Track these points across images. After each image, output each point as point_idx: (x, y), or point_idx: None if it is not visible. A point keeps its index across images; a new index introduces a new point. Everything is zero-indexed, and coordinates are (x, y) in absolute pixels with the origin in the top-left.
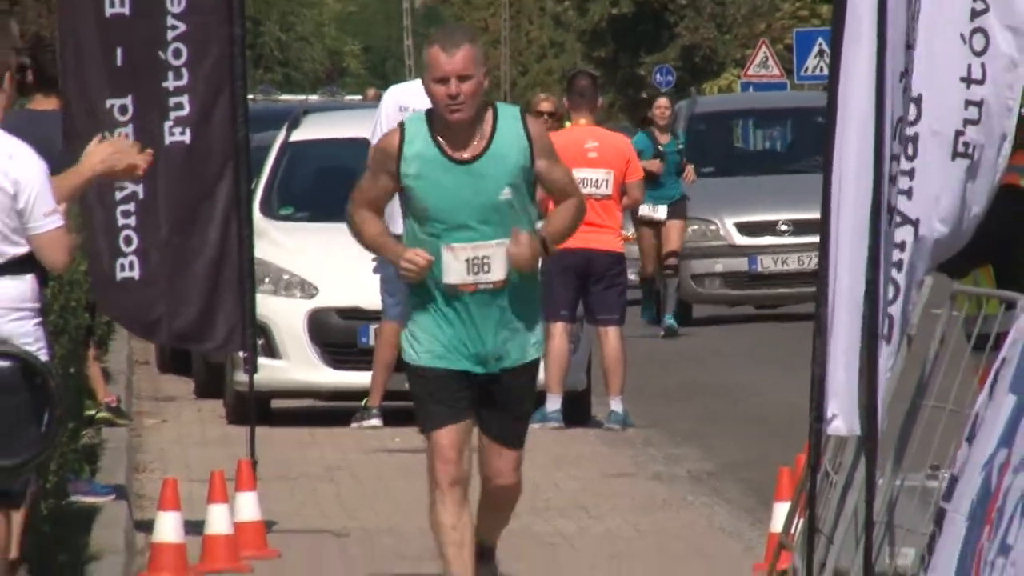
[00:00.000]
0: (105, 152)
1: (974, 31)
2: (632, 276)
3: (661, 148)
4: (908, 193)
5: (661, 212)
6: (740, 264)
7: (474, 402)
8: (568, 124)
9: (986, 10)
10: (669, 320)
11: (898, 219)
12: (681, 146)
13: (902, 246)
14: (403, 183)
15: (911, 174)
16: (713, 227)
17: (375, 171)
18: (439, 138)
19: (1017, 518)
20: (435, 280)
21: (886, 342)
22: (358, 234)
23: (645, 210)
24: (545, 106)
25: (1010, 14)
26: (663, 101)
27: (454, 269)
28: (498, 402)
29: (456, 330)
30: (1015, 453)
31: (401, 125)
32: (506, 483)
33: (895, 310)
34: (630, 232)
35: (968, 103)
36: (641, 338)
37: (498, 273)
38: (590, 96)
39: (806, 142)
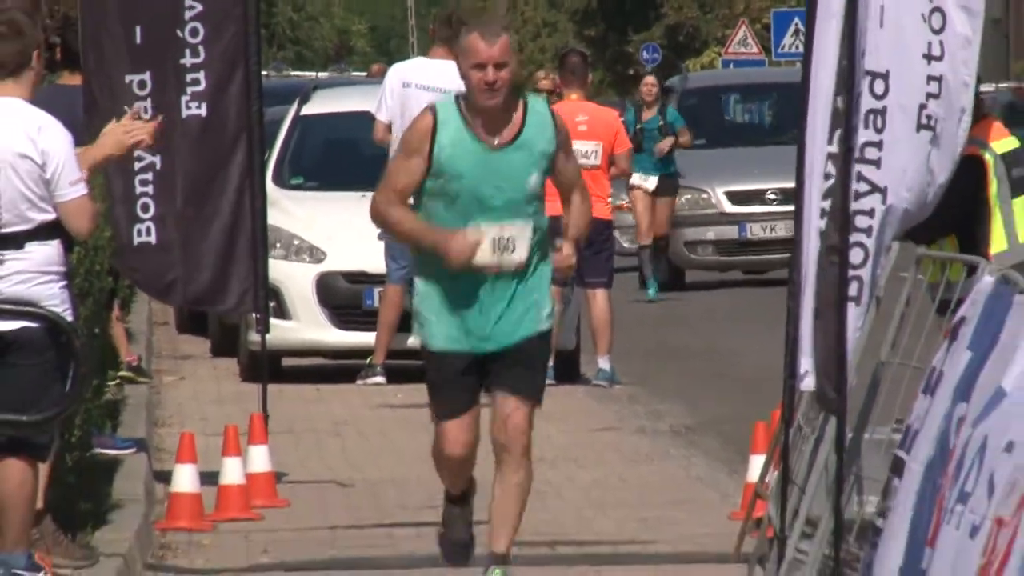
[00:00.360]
0: (119, 133)
1: (932, 10)
2: (626, 244)
3: (639, 126)
4: (877, 163)
5: (651, 182)
6: (731, 231)
7: (482, 380)
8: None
9: None
10: (651, 291)
11: (867, 187)
12: (663, 122)
13: (871, 213)
14: (434, 165)
15: (879, 145)
16: (705, 196)
17: (407, 154)
18: (471, 124)
19: (975, 469)
20: (440, 267)
21: (855, 304)
22: (394, 227)
23: (636, 179)
24: (545, 84)
25: None
26: (649, 79)
27: (480, 249)
28: (512, 361)
29: (464, 313)
30: (972, 408)
31: (433, 109)
32: (515, 436)
33: (864, 273)
34: (624, 201)
35: (929, 78)
36: (635, 303)
37: (522, 253)
38: (580, 73)
39: (791, 115)
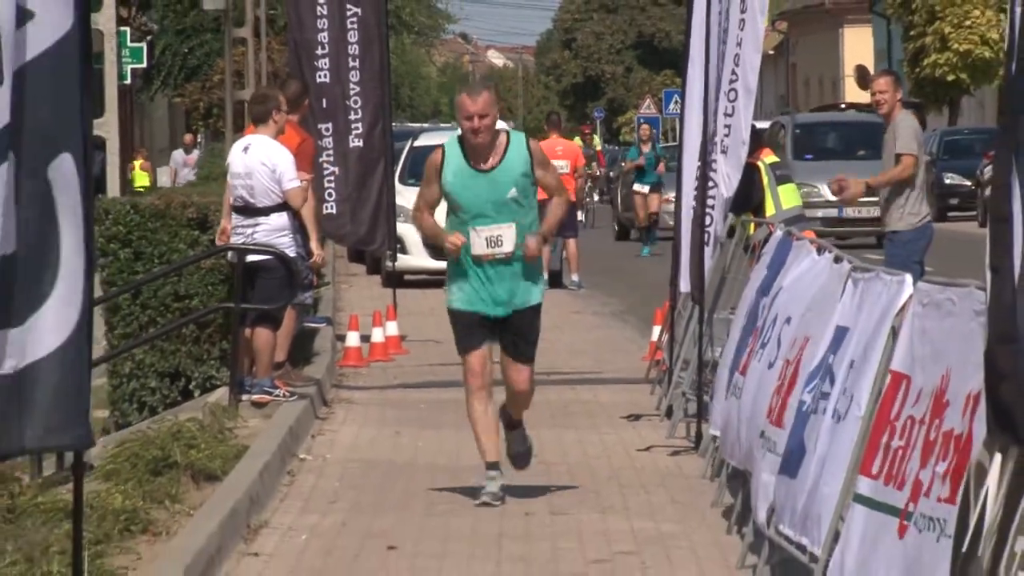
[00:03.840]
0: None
1: (730, 90)
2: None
3: (643, 154)
4: (716, 172)
5: (645, 188)
6: (832, 212)
7: (494, 333)
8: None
9: (735, 80)
10: (644, 251)
11: (713, 184)
12: (657, 154)
13: (715, 198)
14: (444, 188)
15: (717, 163)
16: (816, 189)
17: (427, 181)
18: (467, 155)
19: (769, 324)
20: (466, 251)
21: (708, 246)
22: (420, 226)
23: (637, 187)
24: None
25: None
26: (644, 127)
27: (477, 244)
28: (513, 331)
29: (478, 285)
30: (768, 299)
31: (442, 148)
32: (522, 388)
33: (712, 230)
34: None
35: (726, 126)
36: (635, 257)
37: (508, 246)
38: (557, 123)
39: (862, 142)
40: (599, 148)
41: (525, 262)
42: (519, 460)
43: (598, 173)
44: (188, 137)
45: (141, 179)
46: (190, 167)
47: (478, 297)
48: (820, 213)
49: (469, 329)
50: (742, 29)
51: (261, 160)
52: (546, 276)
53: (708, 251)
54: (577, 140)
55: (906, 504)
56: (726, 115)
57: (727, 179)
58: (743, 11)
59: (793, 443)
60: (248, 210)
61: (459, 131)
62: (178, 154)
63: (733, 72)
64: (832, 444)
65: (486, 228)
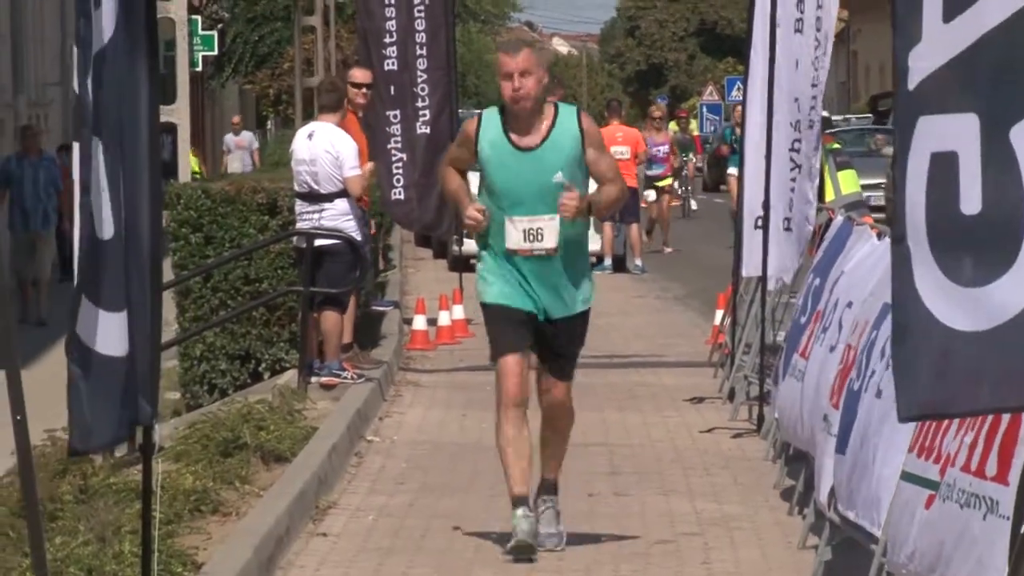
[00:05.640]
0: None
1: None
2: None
3: (734, 138)
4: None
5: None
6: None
7: (533, 338)
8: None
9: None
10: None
11: (795, 163)
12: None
13: (798, 180)
14: (479, 161)
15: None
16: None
17: (459, 144)
18: (508, 128)
19: (831, 309)
20: (495, 237)
21: (788, 231)
22: (442, 181)
23: (731, 171)
24: (656, 111)
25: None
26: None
27: (513, 237)
28: (551, 344)
29: (515, 281)
30: (827, 283)
31: (480, 116)
32: (558, 403)
33: (796, 214)
34: (651, 198)
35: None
36: (700, 243)
37: (550, 242)
38: (617, 110)
39: None
40: (696, 133)
41: (566, 254)
42: (547, 541)
43: (695, 161)
44: (236, 119)
45: (192, 165)
46: (242, 148)
47: (516, 292)
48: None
49: (507, 327)
50: (821, 7)
51: (325, 148)
52: (609, 261)
53: (792, 236)
54: (673, 125)
55: (941, 477)
56: (812, 86)
57: (808, 160)
58: None
59: (847, 423)
60: (312, 196)
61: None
62: (229, 138)
63: (816, 39)
64: (887, 425)
65: (524, 219)
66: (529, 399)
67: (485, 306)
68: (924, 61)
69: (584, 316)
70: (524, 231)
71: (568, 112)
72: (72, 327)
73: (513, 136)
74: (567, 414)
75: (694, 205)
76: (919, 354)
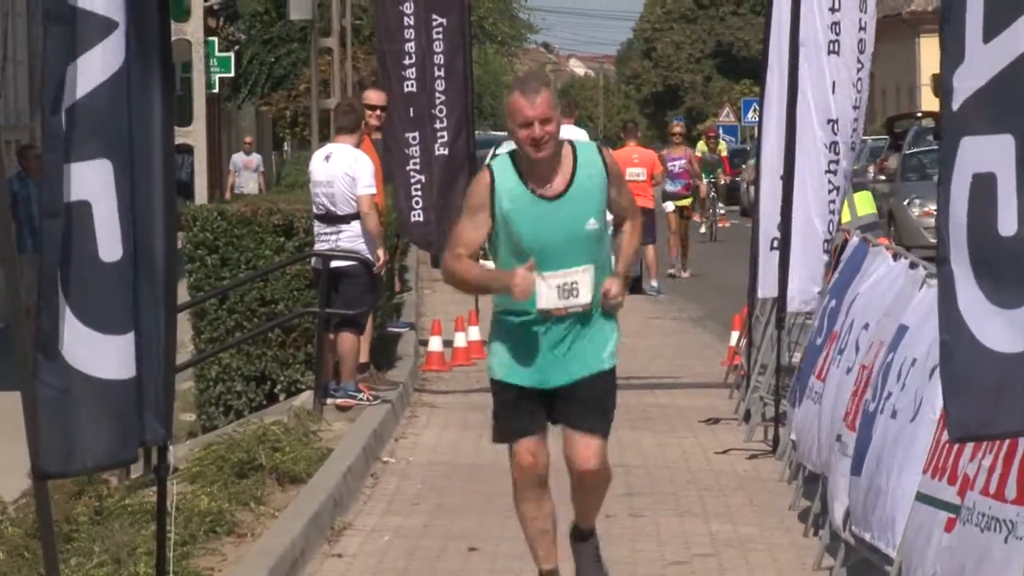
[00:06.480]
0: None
1: (857, 79)
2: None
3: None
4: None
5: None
6: None
7: (548, 410)
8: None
9: (861, 68)
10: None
11: (832, 184)
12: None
13: (835, 201)
14: (498, 218)
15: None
16: None
17: (473, 211)
18: (525, 178)
19: (847, 330)
20: (513, 307)
21: (824, 253)
22: (463, 280)
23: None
24: (677, 129)
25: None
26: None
27: (546, 296)
28: (579, 400)
29: (527, 350)
30: (843, 304)
31: (488, 167)
32: (591, 468)
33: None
34: (669, 209)
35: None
36: (715, 263)
37: (586, 296)
38: (634, 131)
39: None
40: (725, 154)
41: (602, 313)
42: None
43: (724, 181)
44: (248, 139)
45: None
46: (250, 169)
47: (528, 365)
48: None
49: (518, 409)
50: (864, 11)
51: (344, 170)
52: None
53: (825, 258)
54: (701, 145)
55: (962, 500)
56: (854, 108)
57: (846, 182)
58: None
59: (862, 445)
60: (330, 218)
61: (510, 145)
62: (238, 157)
63: (859, 60)
64: (902, 446)
65: (557, 274)
66: (549, 470)
67: (496, 383)
68: (967, 81)
69: (611, 373)
70: (559, 287)
71: (587, 151)
72: (54, 350)
73: (533, 185)
74: (603, 480)
75: (720, 224)
76: (965, 374)
